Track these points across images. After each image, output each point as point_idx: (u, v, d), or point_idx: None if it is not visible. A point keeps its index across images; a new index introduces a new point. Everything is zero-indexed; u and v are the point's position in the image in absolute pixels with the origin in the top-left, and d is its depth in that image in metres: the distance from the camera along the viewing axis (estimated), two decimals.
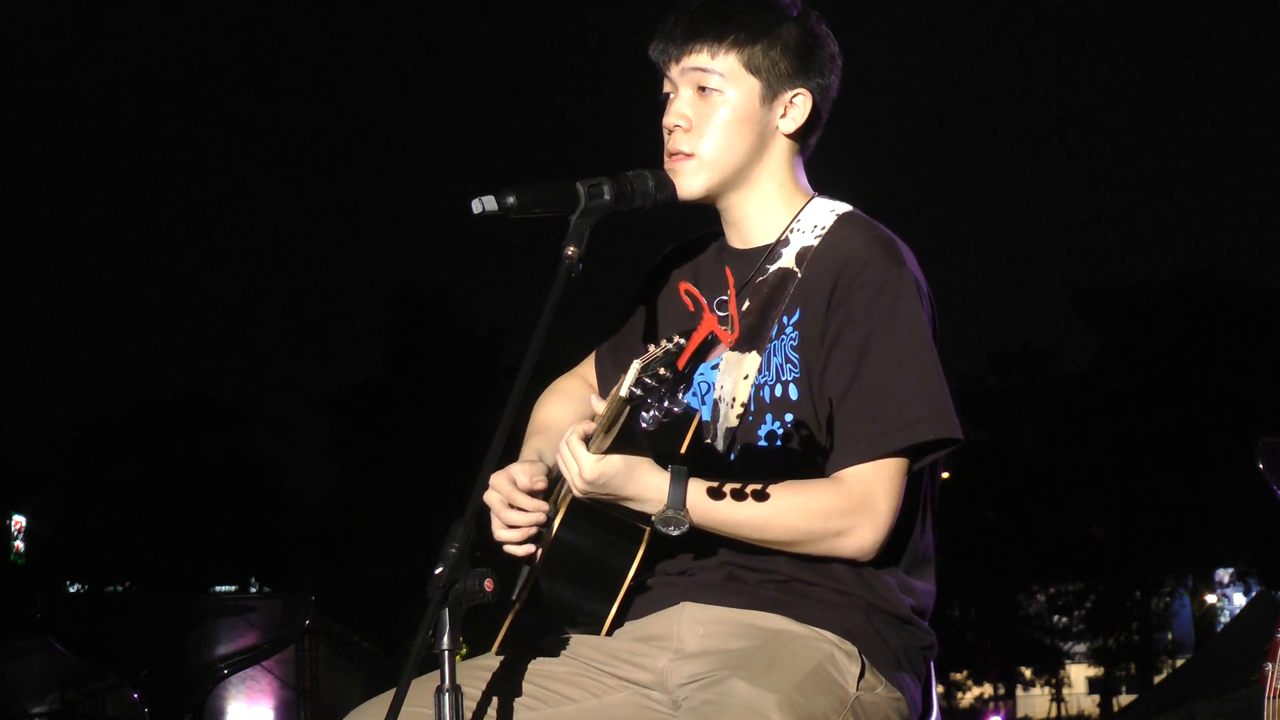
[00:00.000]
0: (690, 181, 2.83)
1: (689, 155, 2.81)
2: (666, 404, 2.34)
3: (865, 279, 2.72)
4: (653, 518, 2.52)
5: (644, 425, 2.37)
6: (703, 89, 2.80)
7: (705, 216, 2.93)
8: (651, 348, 2.36)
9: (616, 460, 2.53)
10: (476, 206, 2.63)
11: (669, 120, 2.83)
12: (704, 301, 2.54)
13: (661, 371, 2.31)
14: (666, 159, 2.84)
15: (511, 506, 2.72)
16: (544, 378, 3.09)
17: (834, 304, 2.73)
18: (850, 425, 2.67)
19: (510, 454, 2.82)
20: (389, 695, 2.61)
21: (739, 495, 2.55)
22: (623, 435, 2.48)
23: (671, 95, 2.85)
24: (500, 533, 2.73)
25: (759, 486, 2.55)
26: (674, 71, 2.83)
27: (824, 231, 2.82)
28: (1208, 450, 39.74)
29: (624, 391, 2.35)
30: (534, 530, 2.71)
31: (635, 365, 2.34)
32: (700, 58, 2.80)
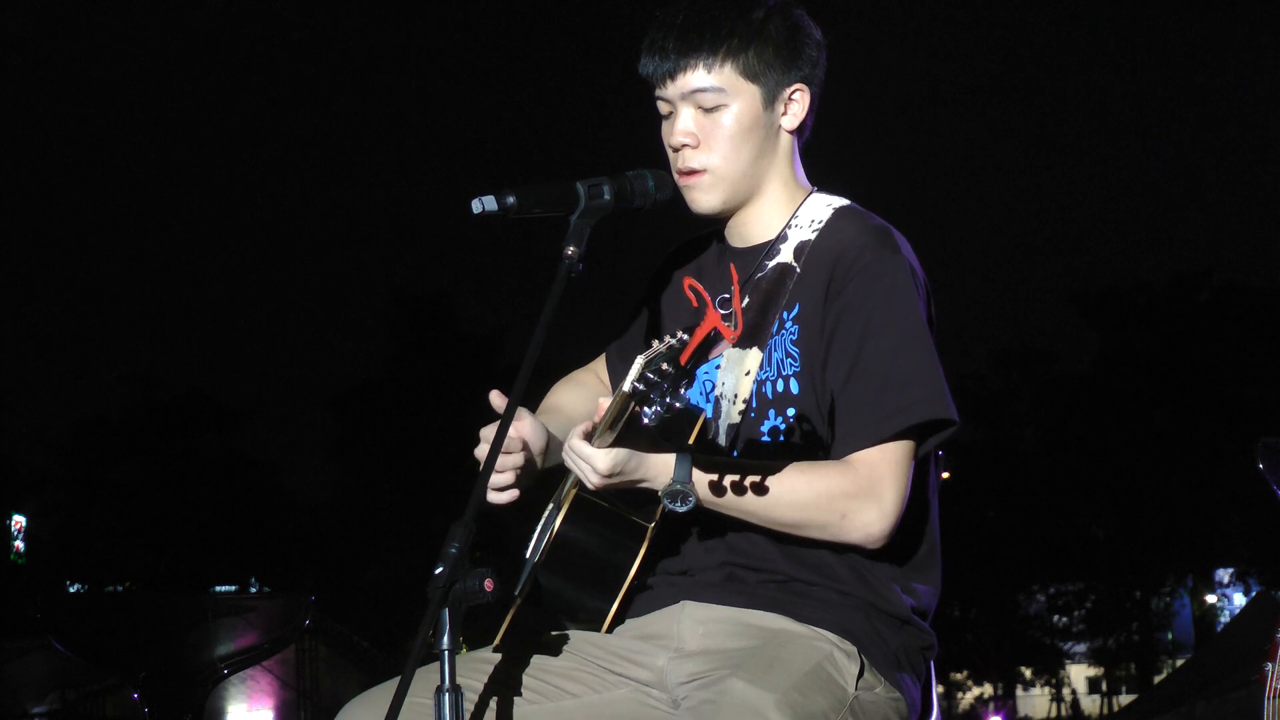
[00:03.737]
0: (707, 198, 2.82)
1: (701, 171, 2.80)
2: (669, 399, 2.35)
3: (861, 267, 2.73)
4: (660, 492, 2.52)
5: (646, 421, 2.38)
6: (704, 104, 2.78)
7: (703, 217, 2.92)
8: (655, 343, 2.37)
9: (624, 450, 2.54)
10: (476, 206, 2.63)
11: (675, 139, 2.80)
12: (708, 297, 2.54)
13: (664, 367, 2.32)
14: (677, 177, 2.82)
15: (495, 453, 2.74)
16: (544, 377, 3.10)
17: (831, 293, 2.74)
18: (852, 411, 2.68)
19: None
20: (387, 685, 2.62)
21: (745, 469, 2.55)
22: (626, 430, 2.49)
23: (672, 112, 2.82)
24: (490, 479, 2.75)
25: (766, 465, 2.55)
26: (671, 90, 2.80)
27: (821, 226, 2.82)
28: (1208, 450, 39.74)
29: (627, 386, 2.36)
30: (515, 472, 2.76)
31: (638, 361, 2.36)
32: (697, 75, 2.77)
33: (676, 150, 2.81)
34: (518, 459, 2.78)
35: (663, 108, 2.84)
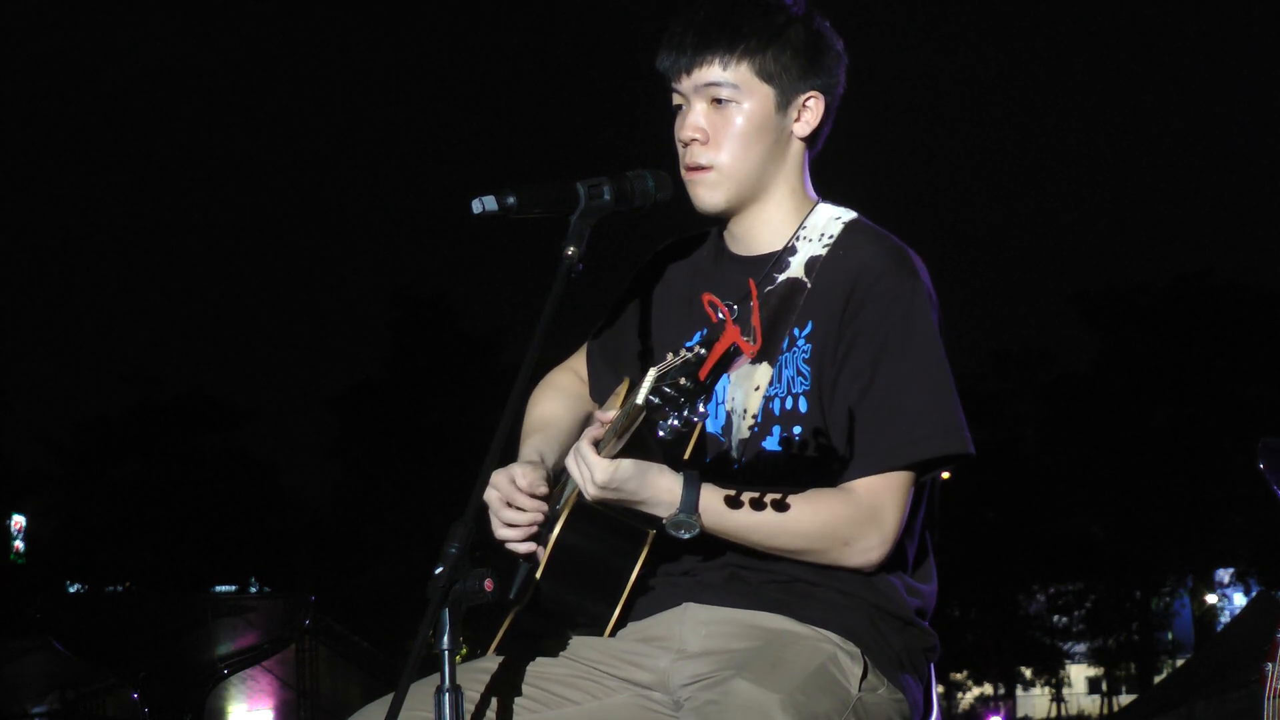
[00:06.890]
0: (711, 195, 2.80)
1: (708, 168, 2.79)
2: (686, 413, 2.30)
3: (880, 291, 2.71)
4: (664, 521, 2.52)
5: (661, 434, 2.33)
6: (717, 100, 2.77)
7: (701, 216, 2.90)
8: (670, 356, 2.33)
9: (628, 464, 2.53)
10: (476, 206, 2.62)
11: (685, 134, 2.79)
12: (726, 311, 2.53)
13: (682, 381, 2.28)
14: (684, 172, 2.81)
15: (511, 506, 2.72)
16: (544, 377, 3.09)
17: (848, 315, 2.72)
18: (862, 438, 2.67)
19: (510, 452, 2.83)
20: (389, 699, 2.61)
21: (753, 503, 2.55)
22: (634, 442, 2.47)
23: (684, 107, 2.81)
24: (500, 531, 2.73)
25: (772, 494, 2.54)
26: (685, 85, 2.79)
27: (832, 241, 2.81)
28: (1208, 450, 39.75)
29: (640, 399, 2.32)
30: (533, 529, 2.72)
31: (651, 374, 2.31)
32: (712, 70, 2.76)
33: (685, 145, 2.80)
34: (538, 516, 2.74)
35: (676, 99, 2.83)
